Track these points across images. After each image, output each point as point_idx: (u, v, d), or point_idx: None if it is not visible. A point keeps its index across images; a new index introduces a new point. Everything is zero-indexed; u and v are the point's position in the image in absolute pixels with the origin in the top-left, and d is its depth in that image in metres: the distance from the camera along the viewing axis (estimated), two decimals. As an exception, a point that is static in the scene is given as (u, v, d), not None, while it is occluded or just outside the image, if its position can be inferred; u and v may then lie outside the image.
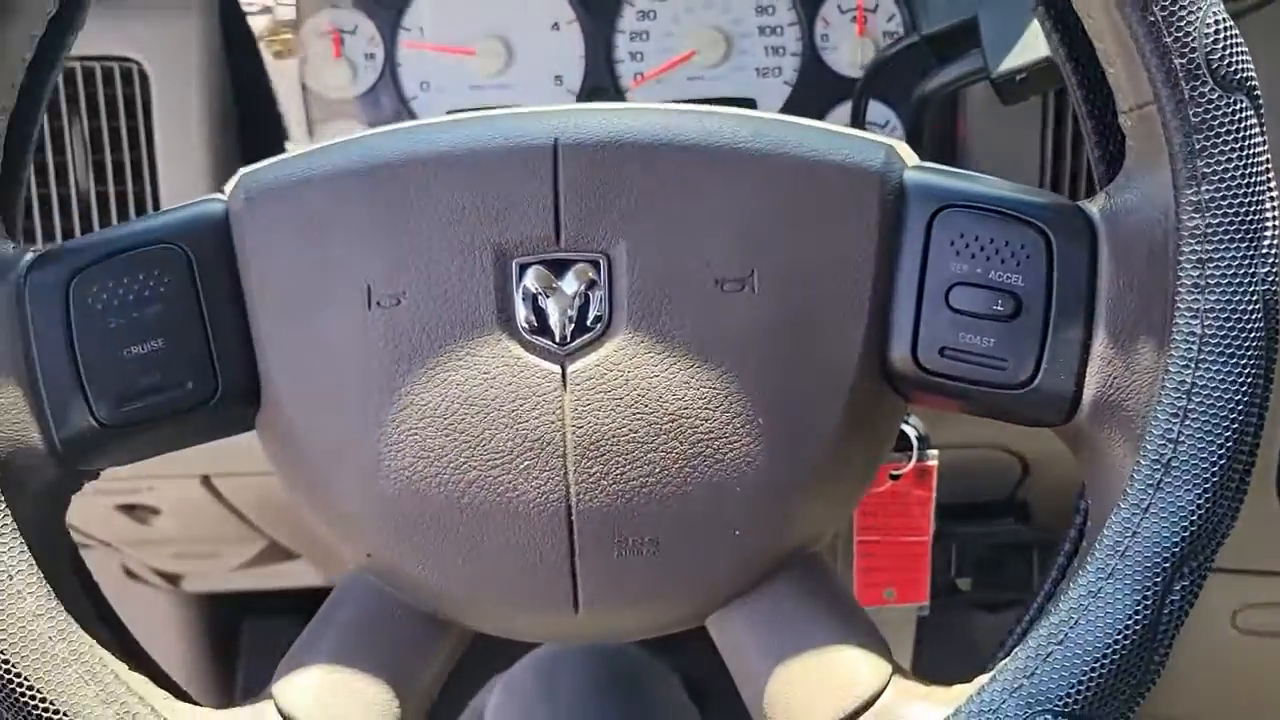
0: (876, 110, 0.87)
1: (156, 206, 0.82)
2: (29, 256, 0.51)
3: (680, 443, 0.50)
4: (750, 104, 0.90)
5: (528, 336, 0.50)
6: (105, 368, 0.50)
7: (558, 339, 0.50)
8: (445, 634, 0.54)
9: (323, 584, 1.15)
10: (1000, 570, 0.87)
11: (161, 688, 0.52)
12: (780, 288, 0.50)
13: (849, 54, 0.89)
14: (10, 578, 0.48)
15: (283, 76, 0.89)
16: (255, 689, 0.54)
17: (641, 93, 0.90)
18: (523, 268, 0.50)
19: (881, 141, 0.52)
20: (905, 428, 0.71)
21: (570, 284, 0.50)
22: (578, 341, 0.50)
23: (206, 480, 0.89)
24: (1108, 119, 0.51)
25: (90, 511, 0.93)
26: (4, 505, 0.48)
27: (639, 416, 0.50)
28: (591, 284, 0.50)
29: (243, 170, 0.53)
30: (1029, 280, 0.48)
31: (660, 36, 0.90)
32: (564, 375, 0.50)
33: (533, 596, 0.51)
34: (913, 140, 0.78)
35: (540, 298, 0.50)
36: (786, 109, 0.89)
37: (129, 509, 0.92)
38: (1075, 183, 0.81)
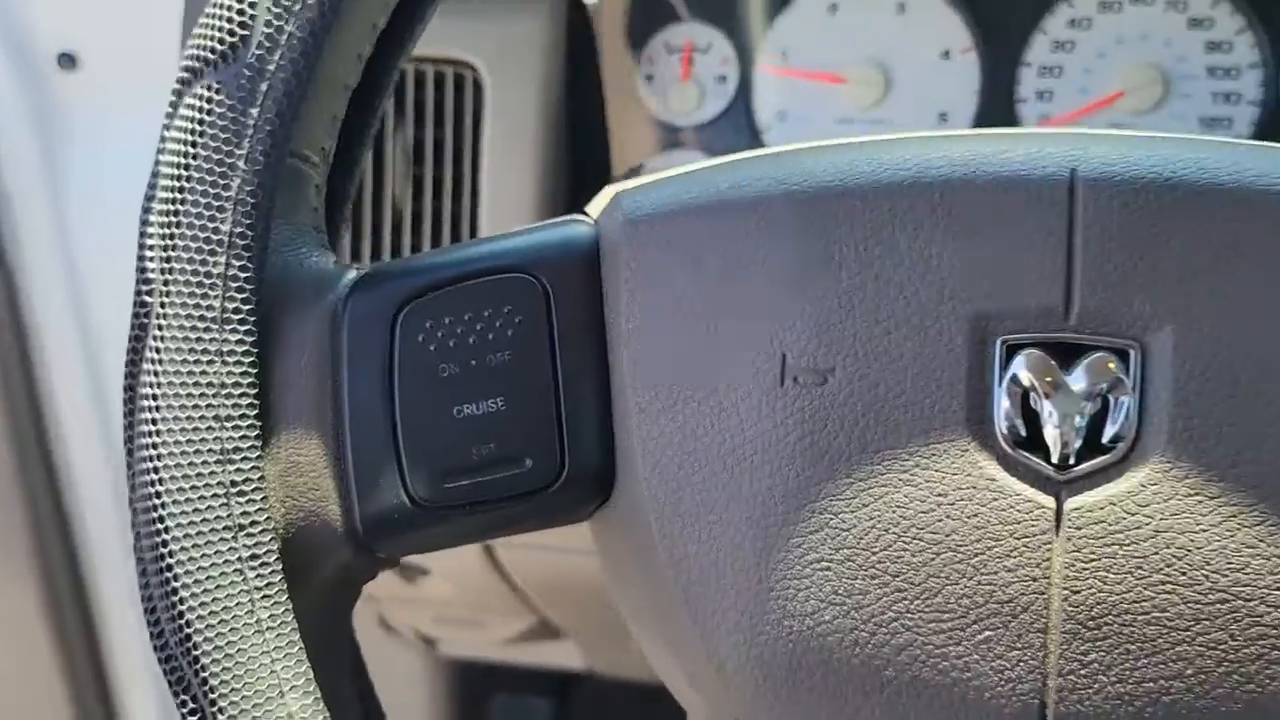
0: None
1: (474, 230, 0.71)
2: (352, 275, 0.39)
3: (1232, 636, 0.33)
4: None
5: (1010, 450, 0.34)
6: (430, 429, 0.38)
7: (1055, 459, 0.34)
8: None
9: (585, 668, 1.03)
10: None
11: None
12: None
13: (1329, 106, 0.69)
14: (283, 695, 0.36)
15: (618, 94, 0.78)
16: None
17: (1044, 140, 0.74)
18: (1011, 350, 0.35)
19: None
20: None
21: (1080, 381, 0.34)
22: (1084, 467, 0.34)
23: (488, 549, 0.78)
24: None
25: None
26: (286, 599, 0.37)
27: (1169, 588, 0.33)
28: (1114, 384, 0.34)
29: (616, 188, 0.40)
30: None
31: (1077, 73, 0.73)
32: (1059, 513, 0.34)
33: None
34: None
35: (1034, 397, 0.34)
36: (1233, 172, 0.71)
37: (399, 565, 0.83)
38: None
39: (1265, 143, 0.36)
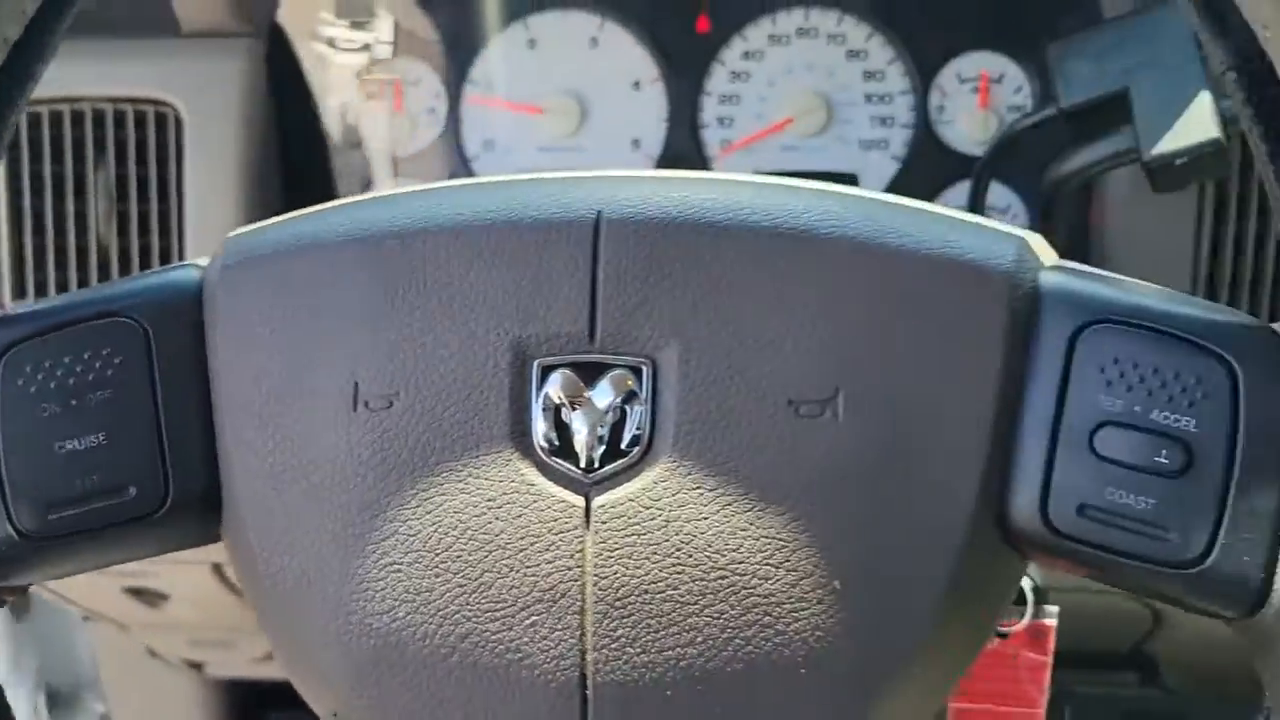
0: (997, 193, 0.75)
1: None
2: None
3: (732, 606, 0.39)
4: (852, 180, 0.80)
5: (546, 458, 0.40)
6: (31, 465, 0.41)
7: (583, 464, 0.39)
8: None
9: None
10: (1123, 741, 0.73)
11: None
12: (873, 416, 0.39)
13: (968, 128, 0.78)
14: None
15: (370, 123, 0.81)
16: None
17: (729, 163, 0.80)
18: (546, 371, 0.40)
19: (1012, 233, 0.41)
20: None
21: (603, 395, 0.39)
22: (608, 469, 0.39)
23: (217, 568, 0.80)
24: None
25: (98, 590, 0.85)
26: None
27: (680, 569, 0.39)
28: (630, 396, 0.39)
29: (234, 232, 0.44)
30: (1205, 426, 0.37)
31: (753, 101, 0.80)
32: (588, 510, 0.39)
33: None
34: (1042, 232, 0.66)
35: (565, 410, 0.40)
36: (894, 187, 0.79)
37: (137, 592, 0.84)
38: (1236, 291, 0.68)
39: (773, 179, 0.42)
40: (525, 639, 0.39)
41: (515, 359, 0.40)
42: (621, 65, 0.81)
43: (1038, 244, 0.42)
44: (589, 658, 0.39)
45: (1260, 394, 0.36)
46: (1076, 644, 0.77)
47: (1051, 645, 0.58)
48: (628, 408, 0.39)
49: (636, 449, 0.39)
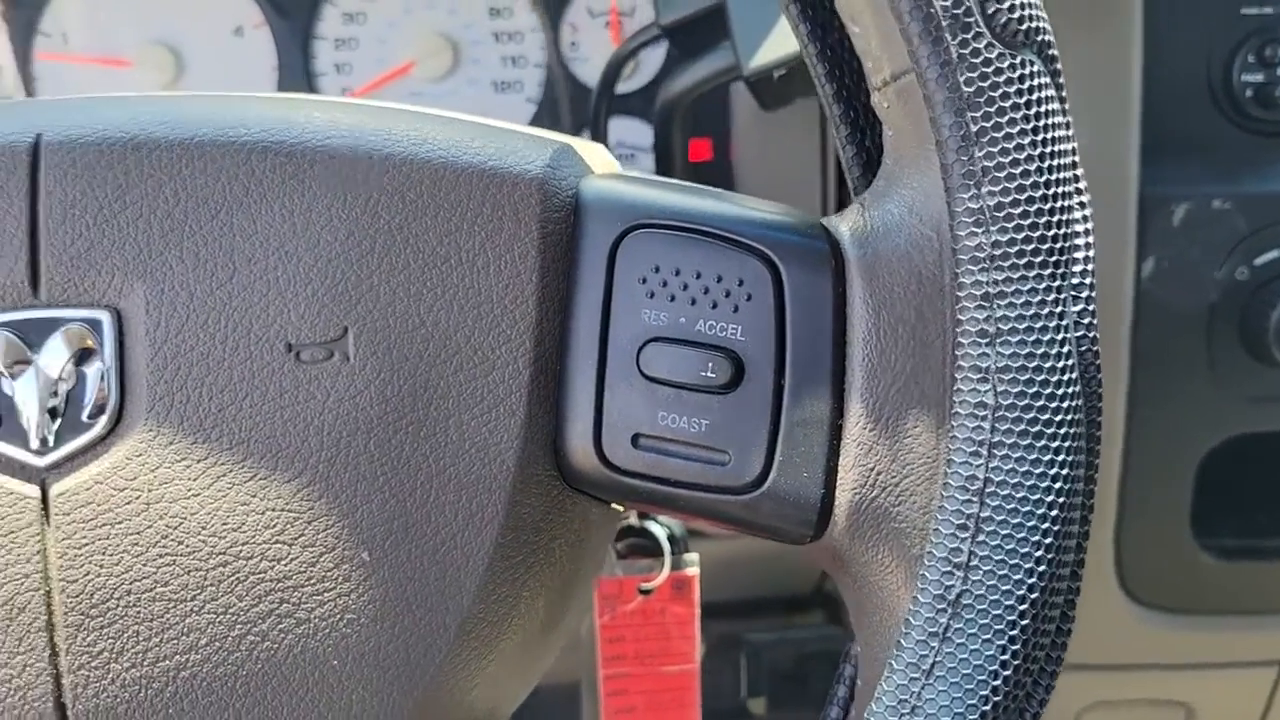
0: (631, 129, 0.72)
1: None
2: None
3: (239, 598, 0.32)
4: (486, 126, 0.74)
5: (-15, 442, 0.32)
6: None
7: (34, 444, 0.32)
8: None
9: None
10: (806, 685, 0.72)
11: None
12: (390, 354, 0.33)
13: (603, 65, 0.73)
14: None
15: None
16: None
17: (353, 113, 0.73)
18: None
19: (551, 139, 0.36)
20: (654, 526, 0.54)
21: (54, 356, 0.32)
22: (67, 448, 0.32)
23: None
24: (861, 102, 0.36)
25: None
26: None
27: (170, 560, 0.32)
28: (86, 355, 0.32)
29: None
30: (751, 333, 0.33)
31: (372, 43, 0.73)
32: (45, 501, 0.32)
33: None
34: (662, 161, 0.63)
35: (4, 379, 0.32)
36: (531, 131, 0.74)
37: None
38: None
39: (250, 94, 0.36)
40: None
41: None
42: (220, 10, 0.72)
43: (590, 152, 0.37)
44: (65, 681, 0.32)
45: (805, 294, 0.33)
46: (752, 589, 0.75)
47: (696, 595, 0.54)
48: (85, 370, 0.32)
49: (102, 420, 0.32)
